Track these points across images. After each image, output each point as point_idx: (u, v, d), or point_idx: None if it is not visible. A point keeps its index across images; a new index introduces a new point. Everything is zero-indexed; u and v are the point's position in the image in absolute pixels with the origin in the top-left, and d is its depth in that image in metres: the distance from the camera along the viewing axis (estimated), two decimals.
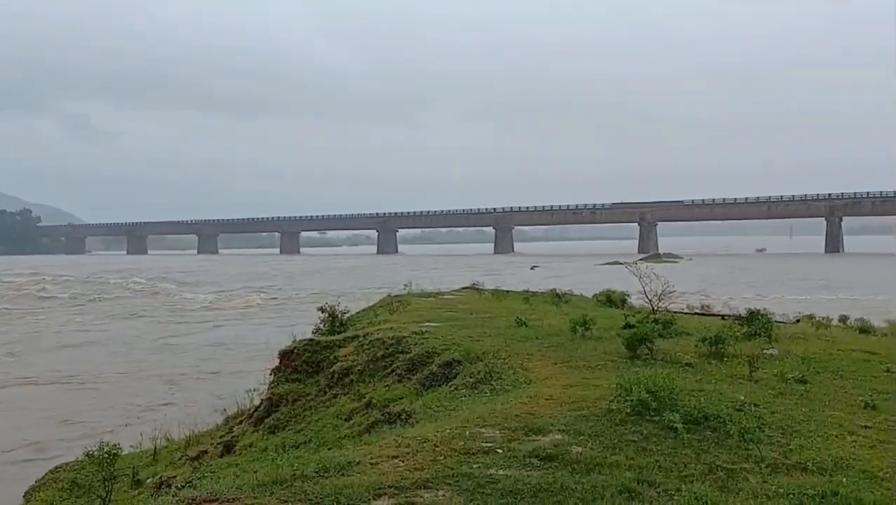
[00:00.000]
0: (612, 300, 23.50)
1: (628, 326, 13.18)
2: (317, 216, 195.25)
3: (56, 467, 16.55)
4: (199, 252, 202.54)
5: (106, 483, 9.81)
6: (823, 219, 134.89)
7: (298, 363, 16.04)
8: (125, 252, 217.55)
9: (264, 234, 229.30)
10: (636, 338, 12.34)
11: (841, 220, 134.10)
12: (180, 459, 16.09)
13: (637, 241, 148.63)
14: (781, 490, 6.14)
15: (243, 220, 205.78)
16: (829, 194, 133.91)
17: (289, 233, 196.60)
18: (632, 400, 8.47)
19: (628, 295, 23.60)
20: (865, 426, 8.72)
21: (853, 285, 62.07)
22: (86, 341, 43.73)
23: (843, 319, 20.90)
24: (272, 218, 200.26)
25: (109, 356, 38.03)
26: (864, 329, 18.22)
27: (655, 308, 16.50)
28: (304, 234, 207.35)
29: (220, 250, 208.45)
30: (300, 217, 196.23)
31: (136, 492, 13.20)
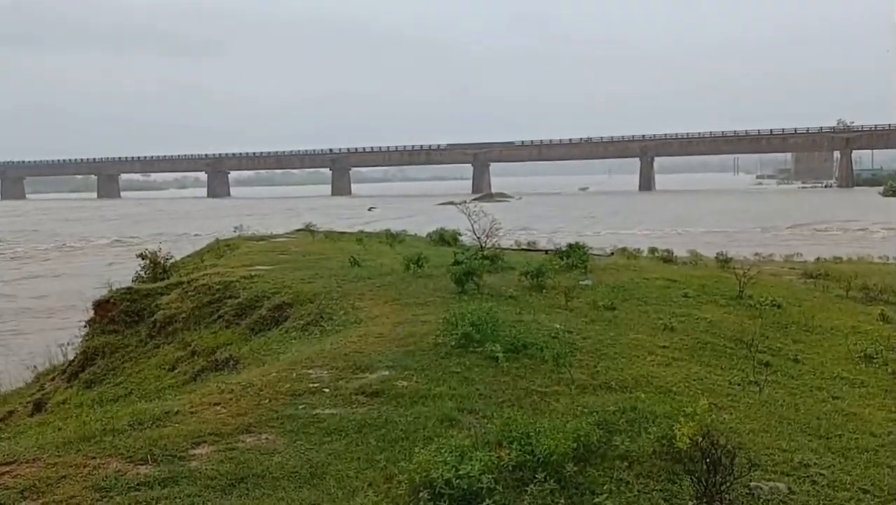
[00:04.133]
0: (444, 239, 24.03)
1: (457, 262, 13.53)
2: (139, 157, 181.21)
3: None
4: (3, 198, 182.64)
5: None
6: (638, 159, 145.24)
7: (116, 313, 15.06)
8: None
9: (79, 177, 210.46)
10: (464, 273, 12.71)
11: (653, 160, 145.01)
12: None
13: (471, 182, 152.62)
14: (587, 408, 6.66)
15: (54, 161, 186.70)
16: (643, 136, 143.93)
17: (107, 175, 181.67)
18: (457, 334, 8.77)
19: (460, 234, 24.19)
20: (664, 346, 9.63)
21: (660, 220, 67.61)
22: None
23: (652, 250, 22.74)
24: (88, 159, 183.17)
25: None
26: (668, 259, 19.94)
27: (483, 245, 17.04)
28: (125, 176, 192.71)
29: (27, 195, 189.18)
30: (120, 158, 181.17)
31: None
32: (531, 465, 5.35)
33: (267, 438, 6.16)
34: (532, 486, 5.08)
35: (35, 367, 18.18)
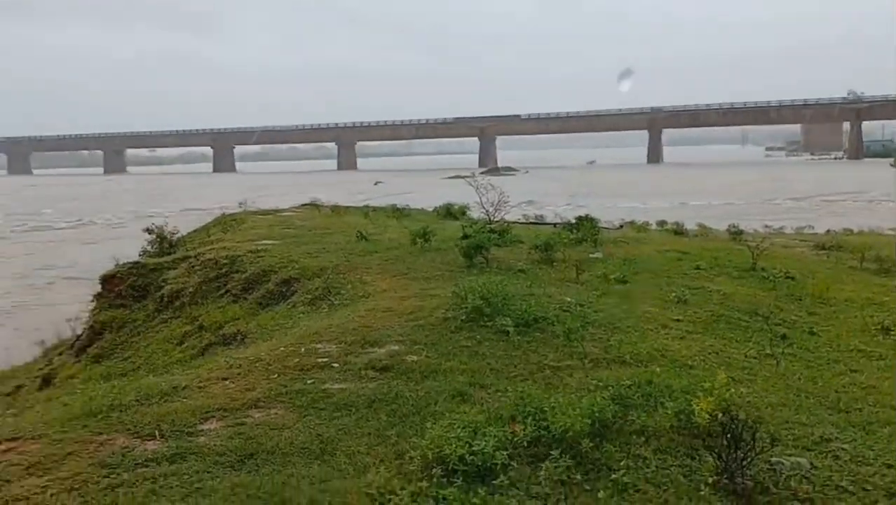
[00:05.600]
0: (451, 213, 23.82)
1: (465, 236, 13.36)
2: (145, 132, 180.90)
3: None
4: (9, 173, 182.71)
5: None
6: (646, 131, 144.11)
7: (123, 288, 14.98)
8: None
9: (86, 152, 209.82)
10: (472, 247, 12.55)
11: (661, 132, 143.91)
12: None
13: (478, 156, 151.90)
14: (601, 383, 6.51)
15: (61, 136, 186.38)
16: (651, 108, 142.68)
17: (114, 150, 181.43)
18: (466, 308, 8.63)
19: (467, 207, 23.99)
20: (677, 319, 9.47)
21: (669, 193, 67.16)
22: None
23: (662, 223, 22.53)
24: (95, 134, 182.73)
25: None
26: (678, 232, 19.74)
27: (492, 218, 16.87)
28: (131, 151, 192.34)
29: (33, 171, 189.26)
30: (127, 133, 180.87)
31: None
32: (546, 441, 5.23)
33: (276, 413, 6.06)
34: (547, 462, 4.96)
35: (43, 341, 18.21)
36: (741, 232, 18.70)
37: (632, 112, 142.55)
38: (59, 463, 5.00)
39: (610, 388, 6.31)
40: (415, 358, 7.39)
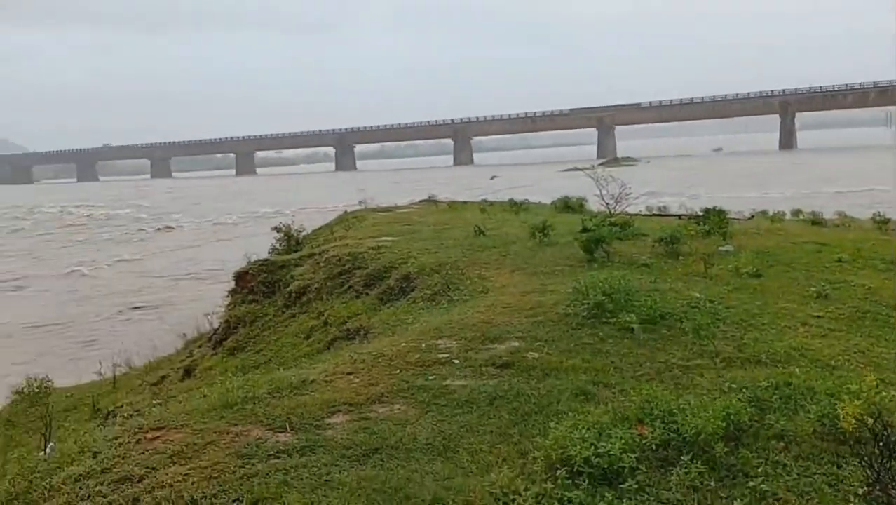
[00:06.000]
0: (569, 206, 23.48)
1: (585, 230, 13.09)
2: (272, 135, 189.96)
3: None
4: (152, 177, 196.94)
5: (44, 418, 9.54)
6: (777, 115, 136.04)
7: (254, 284, 15.77)
8: (75, 180, 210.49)
9: (219, 155, 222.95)
10: (593, 240, 12.28)
11: (794, 116, 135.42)
12: (140, 385, 15.94)
13: (596, 147, 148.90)
14: (735, 384, 6.16)
15: (197, 141, 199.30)
16: (784, 90, 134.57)
17: (244, 153, 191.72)
18: (588, 303, 8.43)
19: (586, 200, 23.55)
20: (817, 316, 8.84)
21: (804, 180, 63.15)
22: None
23: (797, 212, 21.19)
24: (226, 138, 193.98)
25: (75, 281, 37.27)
26: (816, 221, 18.49)
27: (612, 211, 16.45)
28: (259, 153, 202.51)
29: (173, 174, 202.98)
30: (255, 136, 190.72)
31: (95, 423, 13.05)
32: (676, 444, 5.00)
33: (399, 409, 6.14)
34: (678, 467, 4.74)
35: (185, 334, 19.50)
36: (888, 221, 17.25)
37: (762, 96, 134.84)
38: (200, 452, 5.28)
39: (745, 389, 5.96)
40: (535, 355, 7.29)
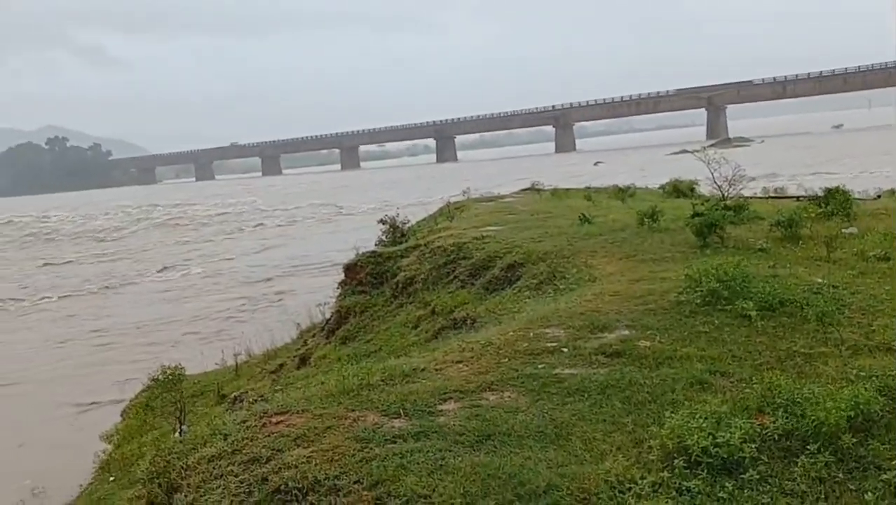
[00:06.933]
0: (679, 190, 22.69)
1: (697, 214, 12.64)
2: (374, 129, 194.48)
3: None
4: (263, 174, 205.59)
5: (178, 403, 10.30)
6: None
7: (363, 276, 16.22)
8: (194, 179, 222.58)
9: (325, 151, 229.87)
10: (705, 225, 11.87)
11: None
12: (260, 373, 16.77)
13: (705, 127, 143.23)
14: (863, 373, 5.83)
15: (302, 138, 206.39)
16: None
17: (348, 148, 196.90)
18: (701, 290, 8.18)
19: (696, 183, 22.71)
20: None
21: None
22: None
23: None
24: (331, 134, 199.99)
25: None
26: None
27: (725, 194, 15.80)
28: (362, 148, 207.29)
29: (283, 171, 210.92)
30: (358, 131, 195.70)
31: (222, 408, 13.87)
32: (799, 434, 4.82)
33: (509, 397, 6.20)
34: (803, 457, 4.57)
35: (299, 324, 20.33)
36: None
37: (887, 67, 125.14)
38: (321, 435, 5.53)
39: (874, 378, 5.63)
40: (647, 343, 7.16)
